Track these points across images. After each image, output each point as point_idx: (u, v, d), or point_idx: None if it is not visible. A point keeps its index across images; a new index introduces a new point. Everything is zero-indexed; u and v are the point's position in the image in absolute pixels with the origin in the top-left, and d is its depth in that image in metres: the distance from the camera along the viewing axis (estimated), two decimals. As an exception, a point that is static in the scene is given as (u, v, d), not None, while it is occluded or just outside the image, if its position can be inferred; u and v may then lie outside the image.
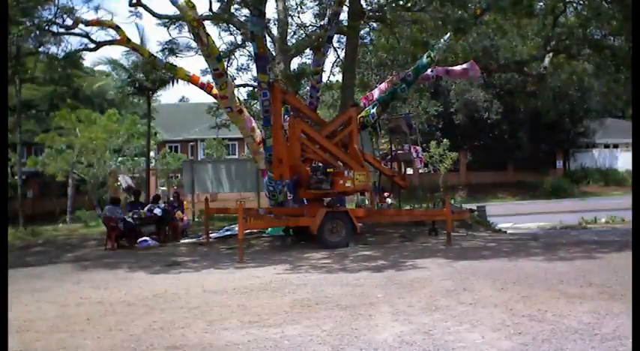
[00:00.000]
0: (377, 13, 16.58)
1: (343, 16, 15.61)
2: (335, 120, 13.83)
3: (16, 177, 29.29)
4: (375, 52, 19.90)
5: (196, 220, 19.34)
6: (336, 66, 19.53)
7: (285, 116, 13.74)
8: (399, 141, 14.90)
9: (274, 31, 16.72)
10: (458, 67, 16.29)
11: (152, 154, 33.77)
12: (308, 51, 18.15)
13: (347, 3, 15.02)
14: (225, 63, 17.27)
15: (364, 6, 16.46)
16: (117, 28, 15.84)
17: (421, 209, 15.15)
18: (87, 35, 16.69)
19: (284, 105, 13.38)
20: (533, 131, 36.56)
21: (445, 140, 31.92)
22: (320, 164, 12.71)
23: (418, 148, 14.96)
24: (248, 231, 13.65)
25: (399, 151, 15.12)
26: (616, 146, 41.97)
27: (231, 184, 20.14)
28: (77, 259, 12.17)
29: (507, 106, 33.67)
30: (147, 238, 13.92)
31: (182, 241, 14.65)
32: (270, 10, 17.40)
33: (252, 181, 19.33)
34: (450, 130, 35.58)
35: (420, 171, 14.73)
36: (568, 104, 34.52)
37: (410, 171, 23.57)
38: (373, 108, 14.78)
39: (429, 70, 15.20)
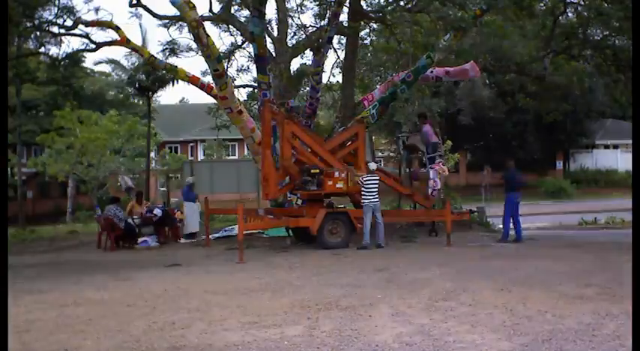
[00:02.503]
0: (377, 14, 16.57)
1: (343, 16, 15.62)
2: (340, 135, 13.70)
3: (16, 177, 29.28)
4: (375, 53, 19.88)
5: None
6: (336, 66, 19.53)
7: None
8: (417, 159, 14.16)
9: (274, 31, 16.72)
10: (457, 68, 16.28)
11: (152, 154, 33.78)
12: (308, 51, 18.14)
13: (347, 3, 15.01)
14: (226, 64, 17.26)
15: (364, 7, 16.45)
16: (117, 29, 15.85)
17: (421, 210, 15.11)
18: (87, 36, 16.71)
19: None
20: (537, 132, 36.52)
21: (448, 141, 31.85)
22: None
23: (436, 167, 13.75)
24: (248, 231, 13.66)
25: (421, 170, 13.97)
26: (616, 147, 41.94)
27: (231, 184, 20.15)
28: (77, 260, 12.18)
29: (510, 106, 33.58)
30: (147, 238, 13.93)
31: (182, 241, 14.67)
32: (270, 11, 17.41)
33: (252, 182, 19.34)
34: (452, 130, 35.52)
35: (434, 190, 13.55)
36: (569, 105, 34.46)
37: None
38: (374, 109, 14.78)
39: (429, 71, 15.19)
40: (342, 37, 17.43)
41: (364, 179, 12.00)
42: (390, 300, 6.76)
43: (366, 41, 19.47)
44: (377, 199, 11.98)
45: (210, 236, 14.32)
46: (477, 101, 34.73)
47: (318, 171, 12.19)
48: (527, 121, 35.56)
